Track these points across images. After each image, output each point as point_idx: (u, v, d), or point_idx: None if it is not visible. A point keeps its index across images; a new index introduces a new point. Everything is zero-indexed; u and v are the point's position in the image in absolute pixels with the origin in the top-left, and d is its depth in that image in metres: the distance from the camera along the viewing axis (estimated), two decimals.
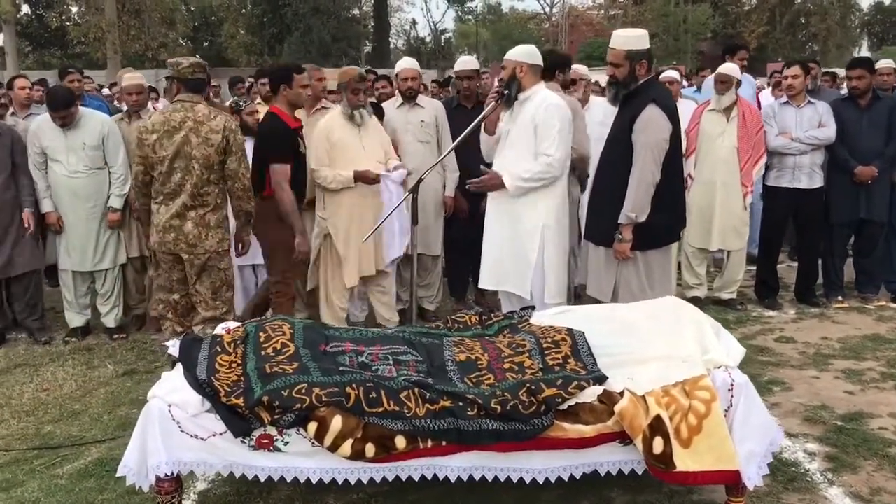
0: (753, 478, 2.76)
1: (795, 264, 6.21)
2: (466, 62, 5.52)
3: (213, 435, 2.72)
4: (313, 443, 2.69)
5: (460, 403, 2.71)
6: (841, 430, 3.70)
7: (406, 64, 5.40)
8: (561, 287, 4.25)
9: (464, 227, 5.28)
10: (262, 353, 2.92)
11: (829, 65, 18.67)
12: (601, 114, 5.19)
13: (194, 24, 37.98)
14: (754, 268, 6.07)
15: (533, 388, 2.73)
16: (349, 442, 2.65)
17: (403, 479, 2.77)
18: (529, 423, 2.66)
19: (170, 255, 4.19)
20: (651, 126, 3.85)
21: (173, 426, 2.72)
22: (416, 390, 2.74)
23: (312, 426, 2.65)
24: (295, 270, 4.61)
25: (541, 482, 2.77)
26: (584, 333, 3.13)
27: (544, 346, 3.05)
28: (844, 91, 6.28)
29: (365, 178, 4.59)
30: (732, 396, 2.79)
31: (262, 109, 5.71)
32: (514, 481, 2.77)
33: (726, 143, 5.47)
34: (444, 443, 2.69)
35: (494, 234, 4.25)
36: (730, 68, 5.57)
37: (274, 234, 4.51)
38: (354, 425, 2.66)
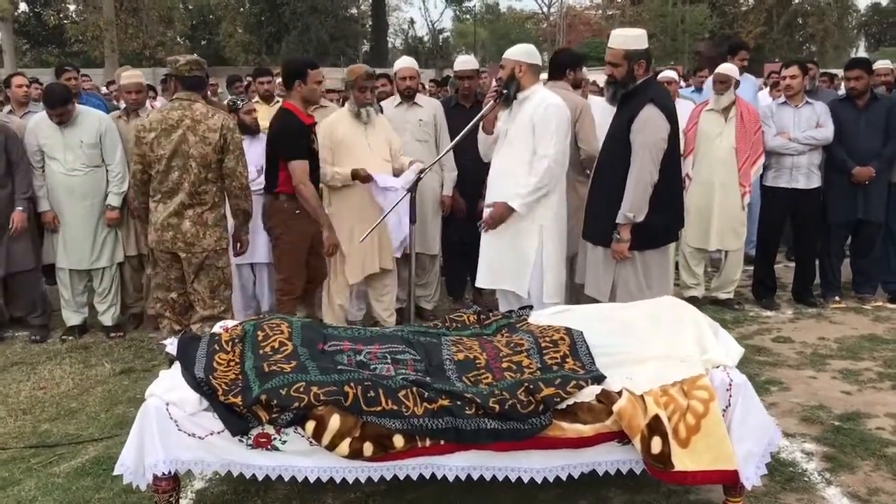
0: (751, 478, 2.76)
1: (793, 264, 6.20)
2: (466, 62, 5.49)
3: (211, 433, 2.72)
4: (311, 442, 2.68)
5: (458, 402, 2.70)
6: (838, 430, 3.70)
7: (404, 63, 5.38)
8: (559, 286, 4.24)
9: (462, 227, 5.27)
10: (261, 351, 2.92)
11: (826, 66, 18.72)
12: (599, 114, 5.17)
13: (192, 23, 37.94)
14: (751, 268, 6.08)
15: (531, 387, 2.73)
16: (347, 441, 2.65)
17: (401, 478, 2.77)
18: (527, 422, 2.66)
19: (168, 254, 4.18)
20: (649, 126, 3.84)
21: (171, 425, 2.72)
22: (415, 389, 2.74)
23: (310, 425, 2.65)
24: (302, 270, 4.56)
25: (539, 481, 2.76)
26: (582, 333, 3.13)
27: (542, 345, 3.05)
28: (842, 91, 6.29)
29: (358, 177, 4.58)
30: (731, 396, 2.79)
31: (260, 108, 5.72)
32: (512, 481, 2.77)
33: (724, 144, 5.48)
34: (442, 442, 2.69)
35: (492, 233, 4.25)
36: (728, 68, 5.57)
37: (281, 232, 4.48)
38: (352, 424, 2.66)
